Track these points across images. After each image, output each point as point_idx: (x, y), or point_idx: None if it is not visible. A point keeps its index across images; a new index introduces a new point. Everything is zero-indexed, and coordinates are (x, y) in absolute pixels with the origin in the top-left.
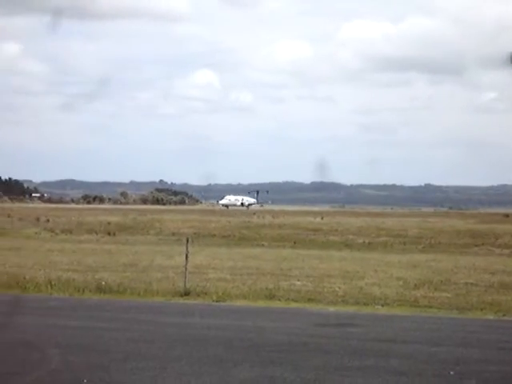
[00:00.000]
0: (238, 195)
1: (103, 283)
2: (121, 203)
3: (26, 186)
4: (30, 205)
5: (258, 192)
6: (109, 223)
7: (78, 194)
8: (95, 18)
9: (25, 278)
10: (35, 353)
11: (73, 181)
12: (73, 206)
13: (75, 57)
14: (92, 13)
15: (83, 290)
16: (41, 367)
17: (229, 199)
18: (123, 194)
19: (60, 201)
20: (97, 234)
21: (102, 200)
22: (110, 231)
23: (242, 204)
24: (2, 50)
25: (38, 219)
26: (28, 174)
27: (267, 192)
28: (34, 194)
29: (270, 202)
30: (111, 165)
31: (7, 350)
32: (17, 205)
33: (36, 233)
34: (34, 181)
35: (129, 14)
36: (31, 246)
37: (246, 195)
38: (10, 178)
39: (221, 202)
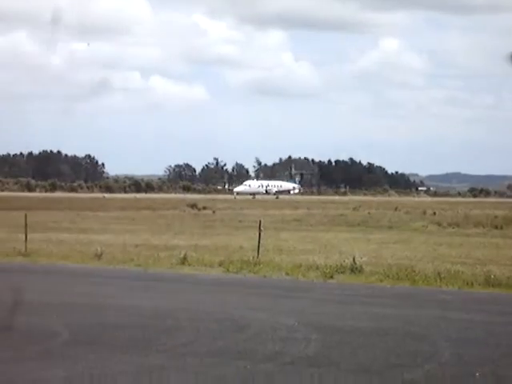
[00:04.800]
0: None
1: (492, 276)
2: (507, 196)
3: (412, 179)
4: (416, 198)
5: (302, 175)
6: (495, 217)
7: (463, 187)
8: (472, 12)
9: (414, 271)
10: (425, 345)
11: (458, 174)
12: (458, 199)
13: (452, 51)
14: (468, 6)
15: (472, 283)
16: (431, 360)
17: (248, 185)
18: (510, 187)
19: (446, 194)
20: (484, 227)
21: (487, 193)
22: (497, 224)
23: (267, 191)
24: (383, 45)
25: (424, 212)
26: (414, 168)
27: (311, 175)
28: (420, 188)
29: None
30: (496, 158)
31: (397, 341)
32: (403, 198)
33: (423, 226)
34: (420, 174)
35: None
36: (419, 238)
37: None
38: (396, 172)
39: (236, 189)
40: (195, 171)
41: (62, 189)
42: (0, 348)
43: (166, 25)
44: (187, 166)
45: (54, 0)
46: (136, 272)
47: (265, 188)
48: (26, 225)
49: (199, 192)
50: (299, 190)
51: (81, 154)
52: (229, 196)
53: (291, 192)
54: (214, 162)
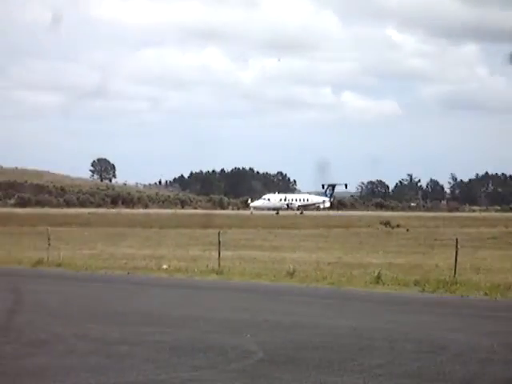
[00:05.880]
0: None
1: None
2: None
3: None
4: None
5: (333, 187)
6: None
7: None
8: None
9: None
10: None
11: None
12: None
13: None
14: None
15: None
16: None
17: (267, 199)
18: None
19: None
20: None
21: None
22: None
23: (288, 206)
24: None
25: None
26: None
27: (345, 186)
28: None
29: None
30: None
31: None
32: None
33: None
34: None
35: None
36: None
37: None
38: None
39: (253, 204)
40: (388, 188)
41: None
42: (197, 367)
43: (356, 39)
44: (380, 182)
45: (244, 17)
46: (329, 290)
47: (286, 202)
48: (219, 242)
49: (392, 209)
50: (330, 203)
51: (273, 170)
52: (422, 213)
53: (321, 206)
54: (408, 179)
